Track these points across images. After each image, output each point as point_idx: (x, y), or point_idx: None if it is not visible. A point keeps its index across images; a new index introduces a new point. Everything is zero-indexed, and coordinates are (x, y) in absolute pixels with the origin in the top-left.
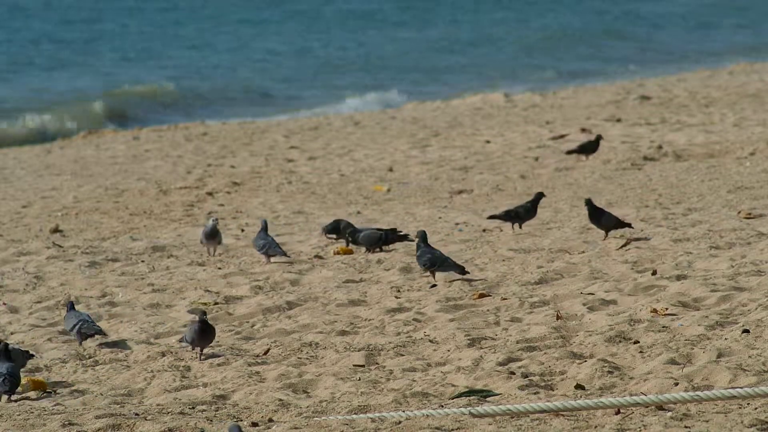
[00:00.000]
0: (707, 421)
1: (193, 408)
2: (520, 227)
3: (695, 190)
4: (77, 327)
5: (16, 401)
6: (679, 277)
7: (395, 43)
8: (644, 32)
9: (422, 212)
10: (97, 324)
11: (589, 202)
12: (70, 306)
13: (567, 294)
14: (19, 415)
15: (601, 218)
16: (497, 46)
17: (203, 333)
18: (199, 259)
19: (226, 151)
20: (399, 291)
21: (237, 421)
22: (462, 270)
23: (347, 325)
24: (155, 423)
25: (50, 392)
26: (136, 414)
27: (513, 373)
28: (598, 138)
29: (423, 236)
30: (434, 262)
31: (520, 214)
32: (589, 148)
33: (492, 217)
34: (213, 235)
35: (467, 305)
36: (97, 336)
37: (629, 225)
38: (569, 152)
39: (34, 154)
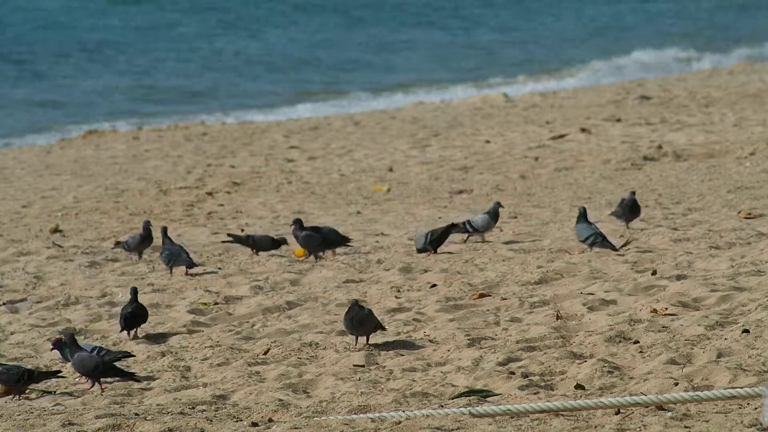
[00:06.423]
0: (707, 421)
1: (193, 408)
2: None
3: (695, 190)
4: None
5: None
6: (679, 277)
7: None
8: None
9: (422, 212)
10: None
11: (296, 222)
12: None
13: (567, 294)
14: (19, 415)
15: (302, 240)
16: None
17: None
18: (199, 259)
19: (226, 151)
20: (399, 291)
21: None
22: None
23: None
24: (155, 423)
25: (50, 392)
26: (136, 414)
27: (513, 373)
28: None
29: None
30: (170, 258)
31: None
32: None
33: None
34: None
35: (467, 305)
36: None
37: (347, 241)
38: None
39: (34, 154)
